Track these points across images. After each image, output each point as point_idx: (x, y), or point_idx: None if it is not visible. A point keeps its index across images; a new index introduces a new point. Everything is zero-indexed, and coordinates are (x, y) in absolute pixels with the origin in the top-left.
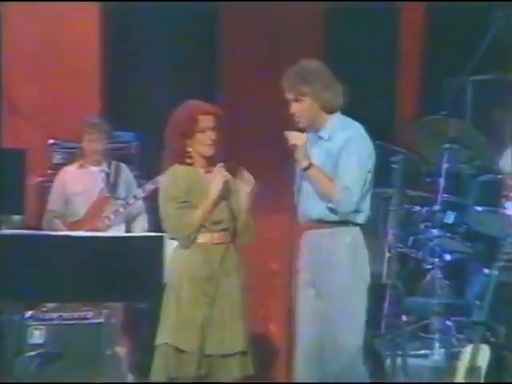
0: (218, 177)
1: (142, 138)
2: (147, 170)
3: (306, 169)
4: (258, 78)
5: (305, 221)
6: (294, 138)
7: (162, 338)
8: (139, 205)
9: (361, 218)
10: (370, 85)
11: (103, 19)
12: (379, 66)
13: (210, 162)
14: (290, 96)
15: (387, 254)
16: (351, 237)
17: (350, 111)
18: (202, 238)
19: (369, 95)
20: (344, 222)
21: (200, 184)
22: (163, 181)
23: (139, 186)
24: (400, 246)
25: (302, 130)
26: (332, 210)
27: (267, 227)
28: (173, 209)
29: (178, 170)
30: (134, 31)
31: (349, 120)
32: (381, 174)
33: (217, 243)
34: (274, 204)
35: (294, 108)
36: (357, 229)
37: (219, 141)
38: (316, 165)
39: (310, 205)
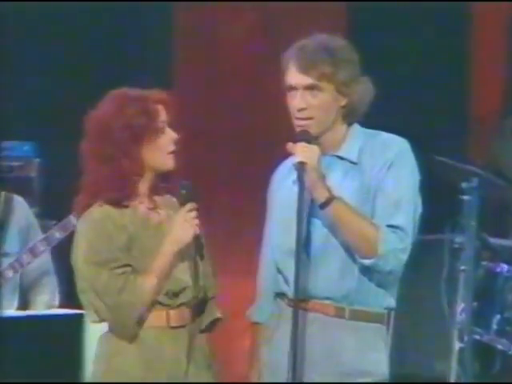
0: (183, 226)
1: (45, 152)
2: (55, 201)
3: (324, 204)
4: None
5: (303, 296)
6: (303, 151)
7: None
8: (42, 263)
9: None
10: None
11: None
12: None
13: (156, 188)
14: (301, 79)
15: (457, 345)
16: (384, 342)
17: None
18: (150, 320)
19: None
20: (380, 305)
21: (145, 232)
22: (81, 232)
23: (44, 230)
24: (478, 331)
25: (307, 141)
26: (362, 281)
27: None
28: (104, 280)
29: (105, 212)
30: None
31: (381, 133)
32: (442, 212)
33: (174, 327)
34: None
35: (306, 100)
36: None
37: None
38: (340, 198)
39: (320, 269)
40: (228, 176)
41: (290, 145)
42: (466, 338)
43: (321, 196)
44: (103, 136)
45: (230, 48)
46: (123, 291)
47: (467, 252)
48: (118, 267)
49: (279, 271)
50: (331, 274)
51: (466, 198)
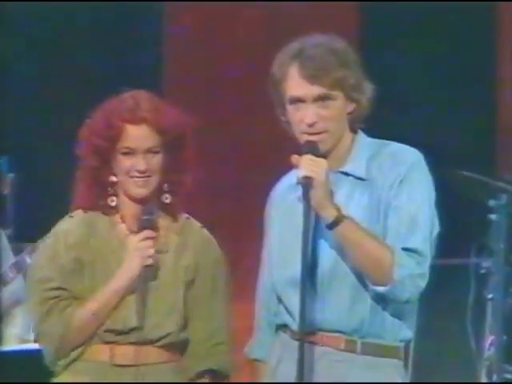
0: (132, 256)
1: (20, 166)
2: (31, 221)
3: (333, 224)
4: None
5: (309, 329)
6: (309, 165)
7: None
8: (12, 292)
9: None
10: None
11: None
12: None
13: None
14: (310, 90)
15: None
16: (402, 379)
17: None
18: (92, 354)
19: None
20: (396, 338)
21: (105, 256)
22: (41, 245)
23: (17, 254)
24: (509, 368)
25: (314, 153)
26: (375, 311)
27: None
28: (33, 300)
29: (70, 225)
30: None
31: (390, 144)
32: (467, 233)
33: (120, 365)
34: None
35: (316, 113)
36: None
37: (159, 173)
38: (350, 217)
39: (328, 298)
40: (227, 191)
41: (295, 157)
42: (495, 377)
43: (329, 215)
44: (79, 144)
45: (230, 49)
46: (47, 317)
47: (495, 278)
48: (51, 289)
49: (281, 301)
50: (341, 303)
51: (493, 217)
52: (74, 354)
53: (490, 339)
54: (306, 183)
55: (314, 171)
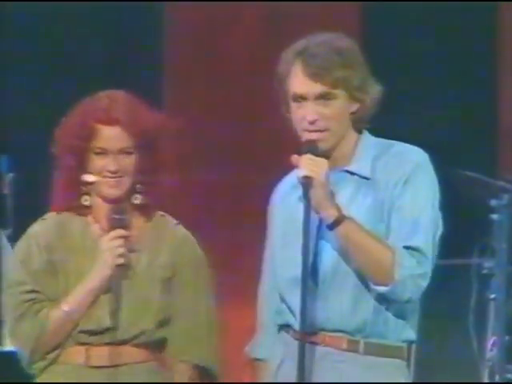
0: (104, 256)
1: (20, 166)
2: (31, 221)
3: (333, 224)
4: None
5: (311, 329)
6: (309, 165)
7: None
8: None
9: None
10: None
11: None
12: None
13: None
14: (312, 88)
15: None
16: (405, 379)
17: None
18: (68, 356)
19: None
20: (399, 338)
21: (80, 257)
22: (14, 248)
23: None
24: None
25: (314, 153)
26: (378, 311)
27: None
28: (8, 303)
29: (42, 226)
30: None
31: (396, 143)
32: (469, 233)
33: (96, 366)
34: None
35: (317, 111)
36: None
37: (131, 174)
38: (351, 217)
39: (330, 298)
40: (227, 189)
41: (294, 157)
42: (497, 377)
43: (329, 215)
44: (55, 144)
45: (230, 49)
46: (21, 320)
47: (498, 278)
48: (24, 292)
49: (283, 300)
50: (343, 303)
51: (495, 216)
52: (50, 357)
53: (492, 340)
54: (306, 183)
55: (313, 171)
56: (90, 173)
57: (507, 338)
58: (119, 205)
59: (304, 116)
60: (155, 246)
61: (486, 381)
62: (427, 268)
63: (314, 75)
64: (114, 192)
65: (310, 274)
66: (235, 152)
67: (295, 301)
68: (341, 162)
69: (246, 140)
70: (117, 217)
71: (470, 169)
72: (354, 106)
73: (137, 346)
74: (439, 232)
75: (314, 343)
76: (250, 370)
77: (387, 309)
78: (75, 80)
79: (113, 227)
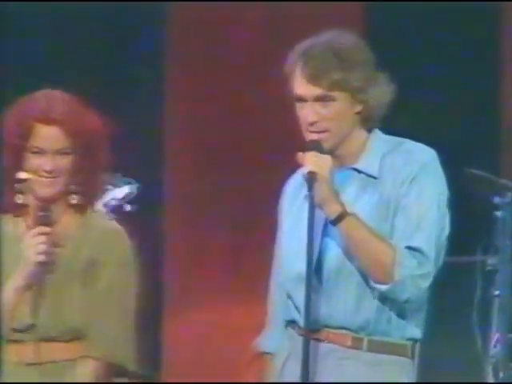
0: (26, 253)
1: None
2: None
3: (336, 220)
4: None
5: (315, 326)
6: (313, 161)
7: None
8: None
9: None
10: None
11: None
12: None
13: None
14: (310, 90)
15: (491, 382)
16: (408, 378)
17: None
18: (8, 355)
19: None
20: (403, 336)
21: (7, 255)
22: None
23: None
24: None
25: (319, 150)
26: (381, 309)
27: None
28: None
29: None
30: None
31: (405, 142)
32: (473, 230)
33: (27, 364)
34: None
35: (317, 112)
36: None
37: (67, 174)
38: (354, 214)
39: (334, 295)
40: (230, 186)
41: (299, 154)
42: (501, 375)
43: (332, 211)
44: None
45: (233, 48)
46: None
47: (502, 275)
48: None
49: (289, 297)
50: (346, 301)
51: (499, 214)
52: None
53: (495, 337)
54: (310, 178)
55: (318, 166)
56: (26, 171)
57: (511, 335)
58: (44, 204)
59: (305, 117)
60: (80, 241)
61: (490, 378)
62: (428, 269)
63: (312, 78)
64: (47, 191)
65: (315, 271)
66: (238, 149)
67: (300, 297)
68: (349, 161)
69: (249, 138)
70: (41, 214)
71: (474, 167)
72: (358, 107)
73: (63, 343)
74: (446, 233)
75: (318, 340)
76: (256, 365)
77: (391, 307)
78: (76, 77)
79: (37, 224)
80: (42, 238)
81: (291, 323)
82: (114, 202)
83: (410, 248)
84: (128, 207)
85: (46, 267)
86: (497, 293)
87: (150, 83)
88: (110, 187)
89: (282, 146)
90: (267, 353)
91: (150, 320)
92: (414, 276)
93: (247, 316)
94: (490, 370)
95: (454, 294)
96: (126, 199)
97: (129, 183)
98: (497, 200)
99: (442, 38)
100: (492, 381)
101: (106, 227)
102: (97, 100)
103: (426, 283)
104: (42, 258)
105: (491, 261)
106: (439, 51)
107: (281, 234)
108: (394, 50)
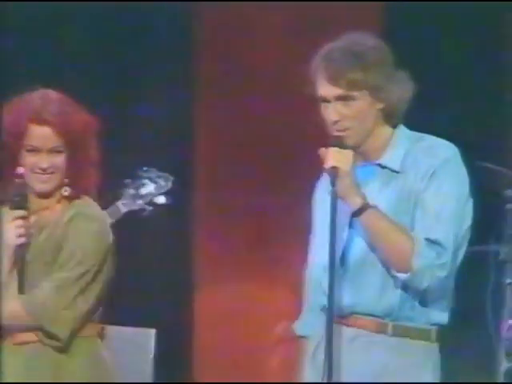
0: (5, 236)
1: None
2: None
3: (358, 212)
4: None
5: (343, 313)
6: (335, 156)
7: None
8: None
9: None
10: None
11: None
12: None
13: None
14: (331, 90)
15: (504, 365)
16: (433, 364)
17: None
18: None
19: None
20: (428, 321)
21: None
22: None
23: None
24: None
25: (341, 146)
26: (405, 297)
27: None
28: None
29: None
30: None
31: (428, 137)
32: (486, 221)
33: (17, 343)
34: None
35: (339, 111)
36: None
37: (62, 170)
38: (376, 206)
39: (360, 283)
40: (254, 180)
41: (322, 150)
42: None
43: (354, 203)
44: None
45: (258, 50)
46: None
47: None
48: None
49: (320, 284)
50: (372, 289)
51: (510, 206)
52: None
53: (508, 323)
54: (333, 173)
55: (340, 161)
56: (23, 168)
57: None
58: (18, 186)
59: (328, 116)
60: (55, 224)
61: (503, 363)
62: (446, 259)
63: (331, 79)
64: (45, 187)
65: (341, 261)
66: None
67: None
68: (373, 156)
69: (275, 137)
70: (16, 198)
71: (487, 159)
72: (379, 105)
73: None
74: (466, 226)
75: (345, 325)
76: (283, 346)
77: (412, 295)
78: (75, 81)
79: (13, 208)
80: (19, 222)
81: (324, 309)
82: (149, 195)
83: (428, 239)
84: (162, 199)
85: (23, 250)
86: (509, 281)
87: (180, 83)
88: (146, 181)
89: (309, 137)
90: (302, 336)
91: (181, 296)
92: (432, 266)
93: (272, 301)
94: (503, 354)
95: (468, 283)
96: (161, 192)
97: (163, 177)
98: (509, 193)
99: (461, 38)
100: (505, 364)
101: (79, 211)
102: (125, 100)
103: (443, 273)
104: (19, 240)
105: (503, 250)
106: (460, 51)
107: (314, 224)
108: (414, 50)
